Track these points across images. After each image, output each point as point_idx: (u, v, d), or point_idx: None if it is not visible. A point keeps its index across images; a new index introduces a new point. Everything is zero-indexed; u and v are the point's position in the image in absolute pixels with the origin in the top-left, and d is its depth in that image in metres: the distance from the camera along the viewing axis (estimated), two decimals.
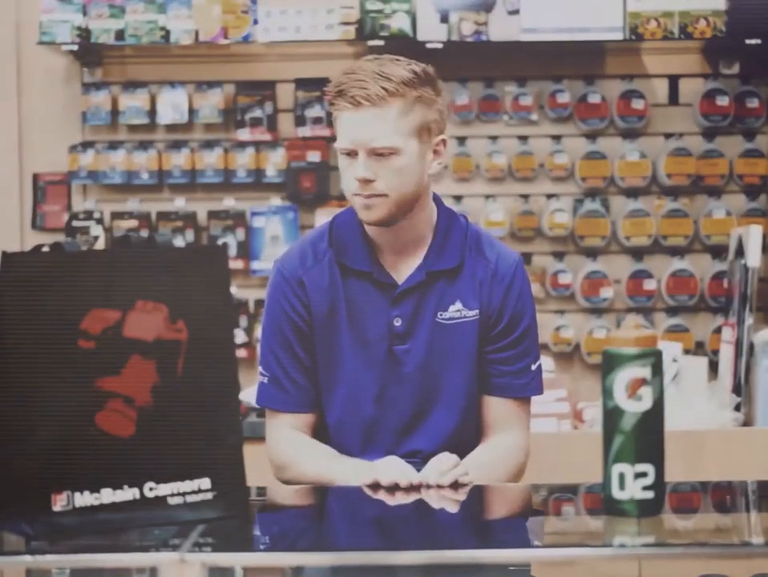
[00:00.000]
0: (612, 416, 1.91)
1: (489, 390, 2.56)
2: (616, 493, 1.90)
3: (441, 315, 2.52)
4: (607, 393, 1.91)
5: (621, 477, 1.90)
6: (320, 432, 2.57)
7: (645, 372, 1.90)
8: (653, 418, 1.90)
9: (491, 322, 2.54)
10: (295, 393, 2.55)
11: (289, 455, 2.53)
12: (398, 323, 2.52)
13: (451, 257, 2.54)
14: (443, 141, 2.51)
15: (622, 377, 1.90)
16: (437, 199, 2.59)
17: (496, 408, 2.56)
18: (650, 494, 1.90)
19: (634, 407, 1.89)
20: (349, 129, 2.45)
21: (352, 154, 2.45)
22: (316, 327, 2.54)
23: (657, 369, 1.91)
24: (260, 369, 2.58)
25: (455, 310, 2.53)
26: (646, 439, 1.90)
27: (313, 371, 2.55)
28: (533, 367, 2.57)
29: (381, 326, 2.52)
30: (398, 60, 2.48)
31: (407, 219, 2.50)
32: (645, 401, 1.89)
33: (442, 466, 2.34)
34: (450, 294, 2.53)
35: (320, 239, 2.57)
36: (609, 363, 1.91)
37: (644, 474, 1.89)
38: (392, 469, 2.34)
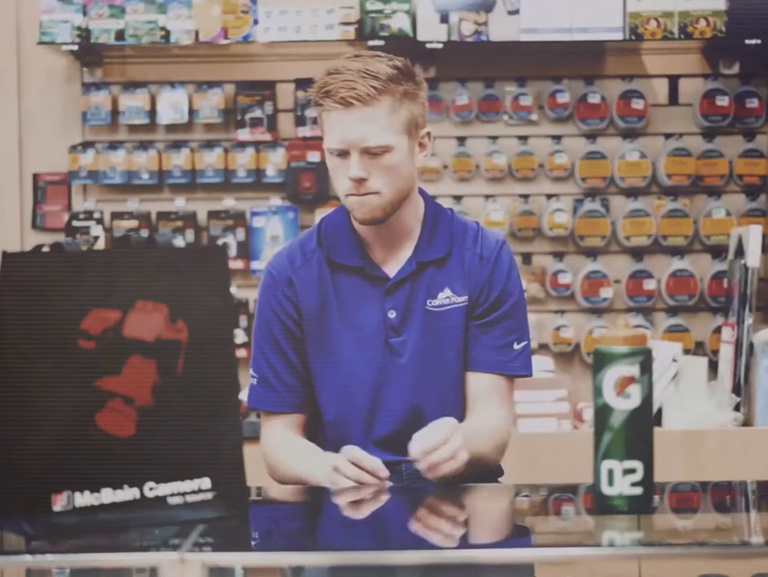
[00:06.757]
0: (601, 413, 1.92)
1: (470, 365, 2.53)
2: (606, 489, 1.92)
3: (431, 303, 2.52)
4: (597, 390, 1.92)
5: (610, 473, 1.91)
6: (317, 430, 2.57)
7: (634, 370, 1.91)
8: (642, 416, 1.91)
9: (479, 301, 2.53)
10: (285, 392, 2.55)
11: (277, 455, 2.53)
12: (392, 315, 2.52)
13: (440, 248, 2.54)
14: (428, 133, 2.53)
15: (611, 375, 1.91)
16: (422, 191, 2.60)
17: (475, 383, 2.52)
18: (638, 490, 1.91)
19: (623, 405, 1.91)
20: (340, 129, 2.44)
21: (343, 154, 2.45)
22: (307, 325, 2.54)
23: (646, 368, 1.92)
24: (250, 371, 2.59)
25: (444, 297, 2.53)
26: (635, 436, 1.91)
27: (304, 372, 2.55)
28: (516, 346, 2.53)
29: (376, 319, 2.52)
30: (379, 56, 2.48)
31: (396, 214, 2.51)
32: (634, 399, 1.91)
33: (426, 444, 2.26)
34: (439, 281, 2.53)
35: (308, 239, 2.59)
36: (599, 361, 1.93)
37: (632, 471, 1.90)
38: (355, 452, 2.32)
